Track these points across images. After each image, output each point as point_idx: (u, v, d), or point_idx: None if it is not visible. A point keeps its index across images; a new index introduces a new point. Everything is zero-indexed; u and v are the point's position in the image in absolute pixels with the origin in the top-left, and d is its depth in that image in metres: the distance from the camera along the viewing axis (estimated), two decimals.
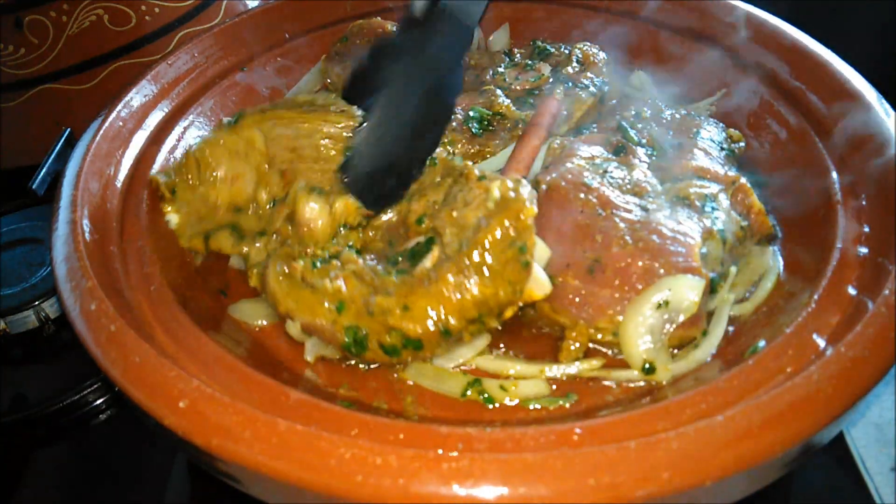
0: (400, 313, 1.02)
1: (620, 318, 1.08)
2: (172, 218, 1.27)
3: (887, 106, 1.24)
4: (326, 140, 1.25)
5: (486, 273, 1.02)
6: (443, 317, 1.01)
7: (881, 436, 1.28)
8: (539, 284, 1.05)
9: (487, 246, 1.02)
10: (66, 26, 1.71)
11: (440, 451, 0.82)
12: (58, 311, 1.50)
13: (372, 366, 1.10)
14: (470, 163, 1.17)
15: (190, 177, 1.30)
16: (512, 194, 1.05)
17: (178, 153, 1.40)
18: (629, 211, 1.16)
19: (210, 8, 1.87)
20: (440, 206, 1.12)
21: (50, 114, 1.80)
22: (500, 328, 1.09)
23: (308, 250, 1.12)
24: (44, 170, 1.51)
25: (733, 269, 1.17)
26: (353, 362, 1.10)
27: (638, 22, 1.63)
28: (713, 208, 1.18)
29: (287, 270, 1.10)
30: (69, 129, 1.62)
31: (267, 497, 0.92)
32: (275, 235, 1.18)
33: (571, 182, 1.21)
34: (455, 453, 0.82)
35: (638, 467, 0.79)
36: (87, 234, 1.13)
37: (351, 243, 1.15)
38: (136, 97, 1.41)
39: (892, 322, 0.93)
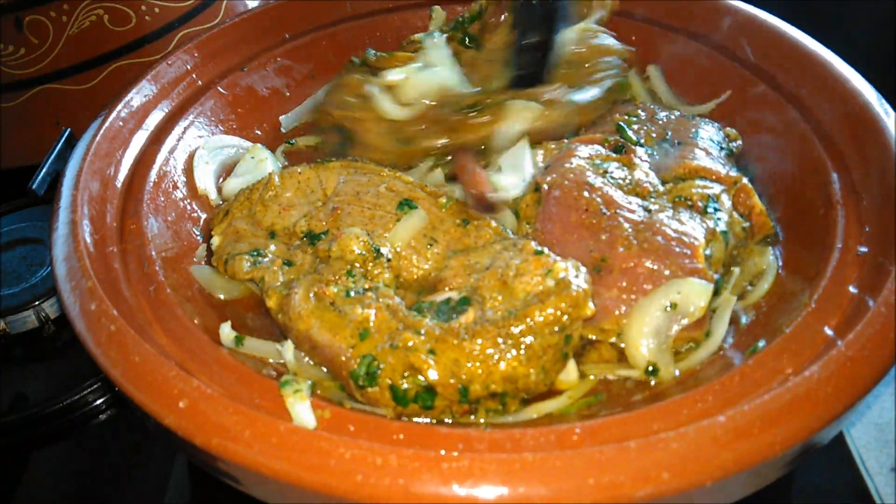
0: (425, 355, 0.98)
1: (626, 320, 1.08)
2: (216, 240, 1.27)
3: (887, 106, 1.23)
4: (390, 192, 1.26)
5: (524, 351, 0.98)
6: (465, 377, 0.97)
7: (881, 436, 1.28)
8: (568, 374, 1.05)
9: (534, 324, 0.99)
10: (66, 26, 1.71)
11: (440, 451, 0.82)
12: (58, 311, 1.50)
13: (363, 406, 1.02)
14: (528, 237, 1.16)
15: (253, 192, 1.31)
16: (575, 282, 1.02)
17: (179, 153, 1.40)
18: (632, 211, 1.16)
19: (210, 8, 1.88)
20: (484, 269, 1.09)
21: (50, 114, 1.80)
22: None
23: (342, 280, 1.10)
24: (44, 170, 1.52)
25: (736, 271, 1.17)
26: (342, 403, 1.01)
27: (637, 22, 1.63)
28: (715, 209, 1.18)
29: (318, 292, 1.08)
30: (69, 129, 1.62)
31: (267, 497, 0.92)
32: (299, 261, 1.19)
33: (574, 181, 1.20)
34: (455, 453, 0.82)
35: (638, 467, 0.79)
36: (87, 235, 1.13)
37: (383, 283, 1.13)
38: (136, 97, 1.41)
39: (893, 322, 0.93)
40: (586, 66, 1.46)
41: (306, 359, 1.07)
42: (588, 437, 0.86)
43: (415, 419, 0.99)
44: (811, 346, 0.97)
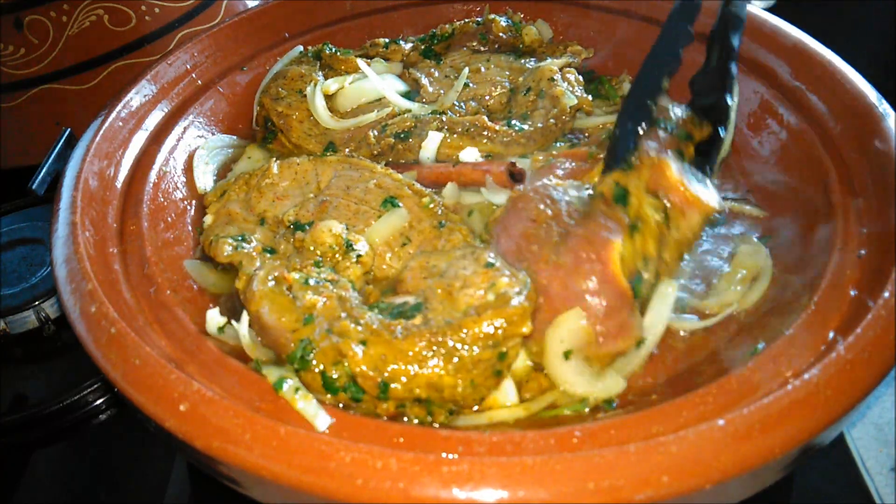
0: (356, 344, 0.96)
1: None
2: (208, 218, 1.29)
3: (887, 106, 1.23)
4: (378, 188, 1.27)
5: (455, 360, 0.96)
6: (387, 375, 0.95)
7: (881, 436, 1.28)
8: (505, 395, 1.03)
9: (468, 336, 0.97)
10: (66, 26, 1.71)
11: (440, 455, 0.83)
12: (58, 311, 1.51)
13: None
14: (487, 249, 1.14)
15: (252, 178, 1.33)
16: (516, 299, 1.00)
17: (178, 153, 1.40)
18: (564, 224, 1.12)
19: (210, 8, 1.88)
20: (439, 275, 1.08)
21: (50, 114, 1.80)
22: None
23: (307, 269, 1.11)
24: (44, 170, 1.52)
25: (684, 263, 1.16)
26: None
27: (636, 21, 1.63)
28: (622, 198, 1.14)
29: (278, 276, 1.08)
30: (69, 129, 1.62)
31: (267, 499, 0.92)
32: (281, 249, 1.19)
33: (537, 191, 1.17)
34: (455, 456, 0.82)
35: (637, 471, 0.79)
36: (87, 236, 1.13)
37: (349, 278, 1.13)
38: (136, 97, 1.41)
39: (892, 324, 0.93)
40: (530, 99, 1.48)
41: (259, 339, 1.08)
42: (588, 440, 0.86)
43: (351, 412, 0.97)
44: (811, 349, 0.97)
